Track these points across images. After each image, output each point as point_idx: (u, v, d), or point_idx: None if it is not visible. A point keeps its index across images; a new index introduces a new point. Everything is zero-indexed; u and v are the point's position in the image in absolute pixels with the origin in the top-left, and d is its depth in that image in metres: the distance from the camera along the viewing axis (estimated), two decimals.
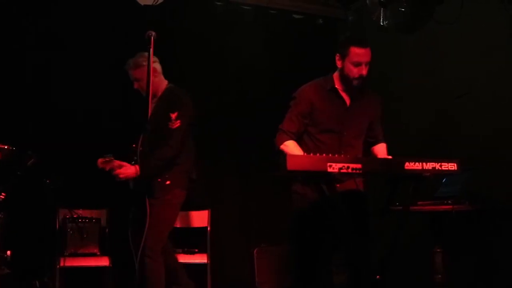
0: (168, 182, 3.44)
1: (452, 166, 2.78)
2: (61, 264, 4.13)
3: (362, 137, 3.31)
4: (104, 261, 4.30)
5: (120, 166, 3.38)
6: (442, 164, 2.75)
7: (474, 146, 3.90)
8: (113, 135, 4.53)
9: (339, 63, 3.15)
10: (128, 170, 3.36)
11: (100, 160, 3.44)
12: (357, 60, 3.06)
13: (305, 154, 2.76)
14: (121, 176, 3.37)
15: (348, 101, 3.22)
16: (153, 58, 3.33)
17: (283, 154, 2.97)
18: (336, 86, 3.20)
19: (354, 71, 3.08)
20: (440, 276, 3.38)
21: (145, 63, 3.29)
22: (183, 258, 4.57)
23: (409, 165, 2.68)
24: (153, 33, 2.79)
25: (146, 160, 3.36)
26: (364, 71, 3.07)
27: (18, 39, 4.58)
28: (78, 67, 4.68)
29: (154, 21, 3.77)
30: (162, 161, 3.40)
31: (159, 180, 3.42)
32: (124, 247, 4.23)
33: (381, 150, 3.34)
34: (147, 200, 3.27)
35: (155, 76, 3.48)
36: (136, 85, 3.58)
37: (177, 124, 3.41)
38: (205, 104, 5.17)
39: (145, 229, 3.24)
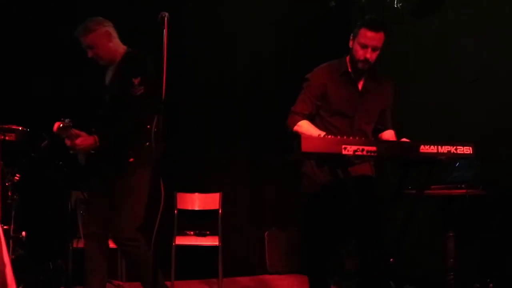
0: (131, 160, 3.17)
1: (467, 150, 2.76)
2: (74, 245, 4.16)
3: (373, 124, 3.29)
4: (113, 243, 4.32)
5: (78, 136, 3.10)
6: (458, 147, 2.73)
7: (487, 130, 3.87)
8: None
9: (350, 43, 3.13)
10: (87, 140, 3.10)
11: (57, 124, 3.03)
12: (364, 42, 3.02)
13: (320, 135, 2.74)
14: (78, 147, 3.09)
15: (360, 86, 3.20)
16: (103, 20, 3.28)
17: (297, 136, 2.96)
18: (349, 70, 3.18)
19: (359, 53, 3.05)
20: (452, 260, 3.35)
21: (97, 27, 3.18)
22: (195, 240, 4.60)
23: (424, 149, 2.66)
24: (166, 14, 2.73)
25: (106, 130, 3.10)
26: (369, 54, 3.03)
27: (34, 18, 4.58)
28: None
29: (162, 6, 3.75)
30: (124, 131, 3.12)
31: (121, 157, 3.14)
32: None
33: (389, 136, 3.32)
34: (112, 179, 3.08)
35: (110, 41, 3.27)
36: (90, 53, 3.27)
37: (140, 90, 3.10)
38: (216, 88, 5.17)
39: (116, 218, 3.09)
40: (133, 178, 3.18)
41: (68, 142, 3.11)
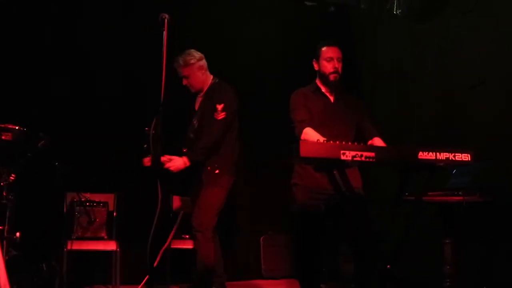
0: (217, 171, 3.75)
1: (465, 157, 2.76)
2: (68, 247, 4.14)
3: (352, 131, 3.54)
4: (111, 245, 4.30)
5: (170, 160, 3.63)
6: (456, 154, 2.74)
7: (486, 136, 3.86)
8: (124, 121, 4.54)
9: (316, 66, 3.58)
10: (177, 162, 3.64)
11: (146, 160, 3.68)
12: (328, 55, 3.49)
13: (319, 141, 2.74)
14: (172, 168, 3.62)
15: (332, 99, 3.59)
16: (198, 55, 3.83)
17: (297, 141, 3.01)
18: (319, 86, 3.58)
19: (328, 67, 3.49)
20: (449, 267, 3.35)
21: (193, 61, 3.77)
22: (190, 244, 4.57)
23: (422, 155, 2.67)
24: (166, 16, 2.75)
25: (192, 149, 3.72)
26: (336, 64, 3.49)
27: (34, 19, 4.56)
28: (94, 51, 4.67)
29: (167, 4, 3.75)
30: (206, 148, 3.68)
31: (209, 168, 3.73)
32: (131, 231, 4.26)
33: (378, 143, 3.42)
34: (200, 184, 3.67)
35: (202, 73, 3.85)
36: (185, 82, 3.85)
37: (222, 115, 3.70)
38: None
39: (196, 209, 3.73)
40: (217, 183, 3.80)
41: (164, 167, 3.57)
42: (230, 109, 3.75)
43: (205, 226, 3.74)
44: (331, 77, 3.50)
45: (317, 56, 3.57)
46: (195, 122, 3.88)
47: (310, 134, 3.28)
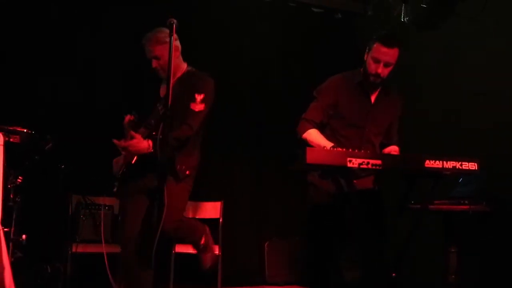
0: (188, 172, 3.27)
1: (472, 166, 2.75)
2: (73, 250, 4.15)
3: (382, 136, 3.29)
4: (115, 248, 4.30)
5: (132, 137, 3.08)
6: (463, 163, 2.73)
7: (492, 146, 3.86)
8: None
9: (365, 56, 3.13)
10: (141, 144, 3.08)
11: (127, 118, 3.25)
12: (377, 56, 3.02)
13: (326, 147, 2.74)
14: (131, 148, 3.08)
15: (373, 99, 3.21)
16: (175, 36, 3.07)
17: (305, 144, 2.96)
18: (363, 81, 3.18)
19: (372, 67, 3.05)
20: (453, 276, 3.34)
21: (167, 40, 2.93)
22: (194, 249, 4.56)
23: (429, 163, 2.66)
24: (175, 21, 2.72)
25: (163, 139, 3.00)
26: (381, 69, 3.03)
27: (40, 21, 4.58)
28: (98, 54, 4.70)
29: (171, 10, 3.76)
30: (180, 139, 3.16)
31: (178, 167, 3.21)
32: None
33: (390, 150, 3.26)
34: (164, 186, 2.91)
35: (177, 56, 3.27)
36: (155, 63, 3.24)
37: (200, 107, 3.21)
38: (218, 96, 5.16)
39: (163, 215, 2.93)
40: (184, 185, 3.30)
41: (123, 141, 3.12)
42: (210, 102, 3.25)
43: (177, 222, 3.23)
44: (371, 78, 3.09)
45: (369, 47, 3.09)
46: (160, 107, 3.25)
47: (313, 136, 3.03)
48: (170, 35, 2.70)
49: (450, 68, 4.39)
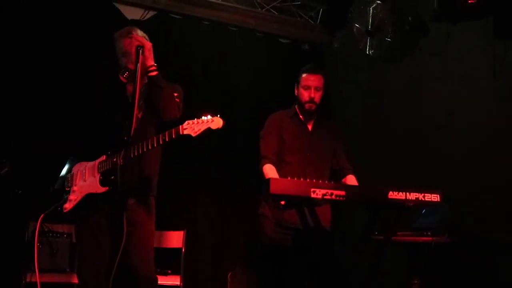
0: (153, 202, 3.03)
1: (435, 198, 2.77)
2: (28, 279, 3.98)
3: (327, 161, 3.52)
4: (74, 279, 4.15)
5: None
6: (425, 195, 2.75)
7: (453, 177, 3.92)
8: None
9: (296, 91, 3.52)
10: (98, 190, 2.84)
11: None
12: (306, 84, 3.44)
13: (289, 178, 2.72)
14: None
15: (310, 127, 3.55)
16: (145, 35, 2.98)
17: (266, 178, 2.99)
18: (297, 112, 3.54)
19: (305, 95, 3.44)
20: None
21: (134, 33, 2.86)
22: (177, 279, 4.45)
23: (392, 194, 2.67)
24: (142, 47, 2.72)
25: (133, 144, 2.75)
26: (313, 94, 3.42)
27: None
28: (65, 80, 4.59)
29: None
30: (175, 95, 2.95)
31: (147, 194, 2.97)
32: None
33: (351, 182, 3.44)
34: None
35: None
36: (123, 60, 2.92)
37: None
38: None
39: (139, 250, 2.83)
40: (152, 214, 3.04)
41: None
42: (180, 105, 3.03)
43: (150, 268, 2.96)
44: (306, 106, 3.45)
45: (297, 81, 3.51)
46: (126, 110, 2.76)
47: (266, 170, 3.30)
48: (136, 61, 2.68)
49: (413, 100, 4.49)
